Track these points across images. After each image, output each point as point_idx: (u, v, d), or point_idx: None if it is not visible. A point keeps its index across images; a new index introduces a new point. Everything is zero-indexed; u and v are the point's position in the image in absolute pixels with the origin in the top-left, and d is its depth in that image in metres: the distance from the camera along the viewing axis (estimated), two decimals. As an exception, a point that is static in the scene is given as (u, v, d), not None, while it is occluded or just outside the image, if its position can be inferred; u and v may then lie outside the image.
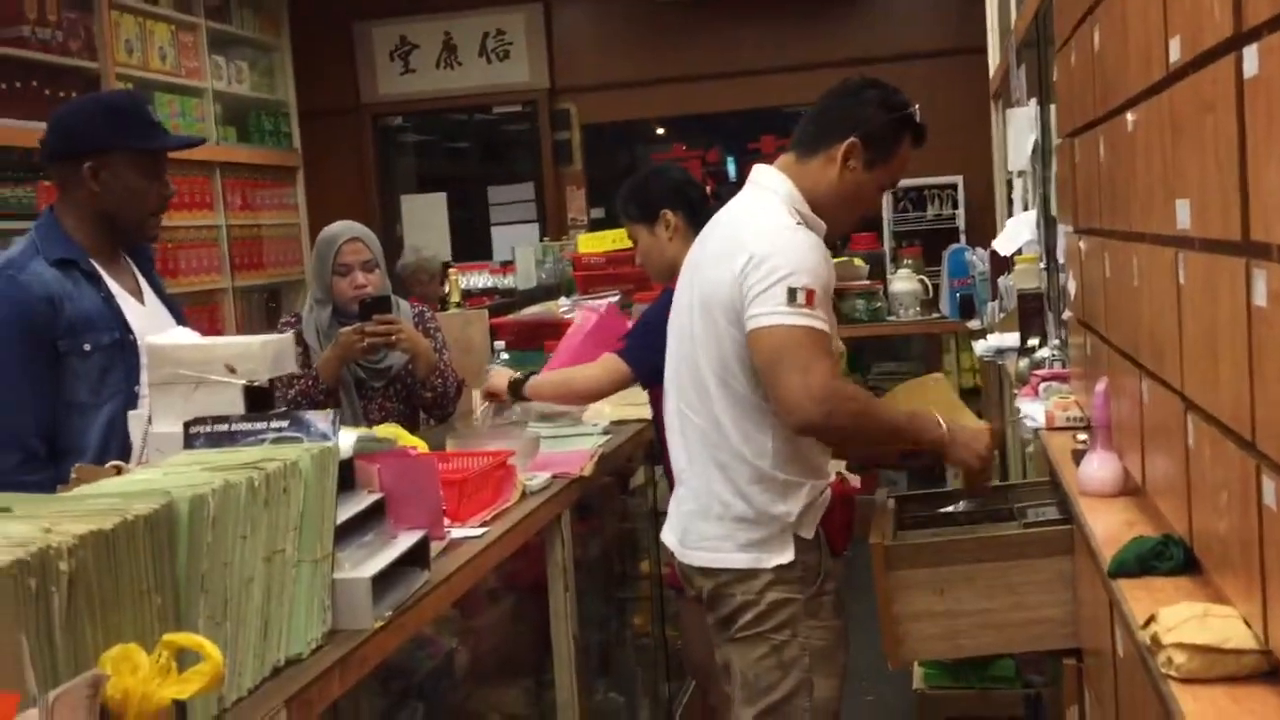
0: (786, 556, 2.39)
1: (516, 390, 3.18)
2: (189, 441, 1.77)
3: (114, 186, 2.52)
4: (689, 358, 2.48)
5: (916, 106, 2.50)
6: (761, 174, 2.51)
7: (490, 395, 3.26)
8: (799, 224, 2.39)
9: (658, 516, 3.70)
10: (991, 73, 6.57)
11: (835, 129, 2.44)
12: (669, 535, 2.59)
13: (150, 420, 1.95)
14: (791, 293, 2.27)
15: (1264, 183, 1.22)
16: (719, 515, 2.43)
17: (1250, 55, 1.23)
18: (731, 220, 2.50)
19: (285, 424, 1.76)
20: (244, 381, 1.90)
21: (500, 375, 3.27)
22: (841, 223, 2.54)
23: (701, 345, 2.44)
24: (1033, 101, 4.24)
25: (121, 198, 2.53)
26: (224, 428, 1.77)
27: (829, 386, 2.28)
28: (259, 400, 1.94)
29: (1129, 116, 1.92)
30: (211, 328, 6.36)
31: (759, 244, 2.34)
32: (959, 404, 2.96)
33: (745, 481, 2.40)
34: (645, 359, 2.98)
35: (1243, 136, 1.28)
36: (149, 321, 2.56)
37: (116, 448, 2.35)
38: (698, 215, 3.08)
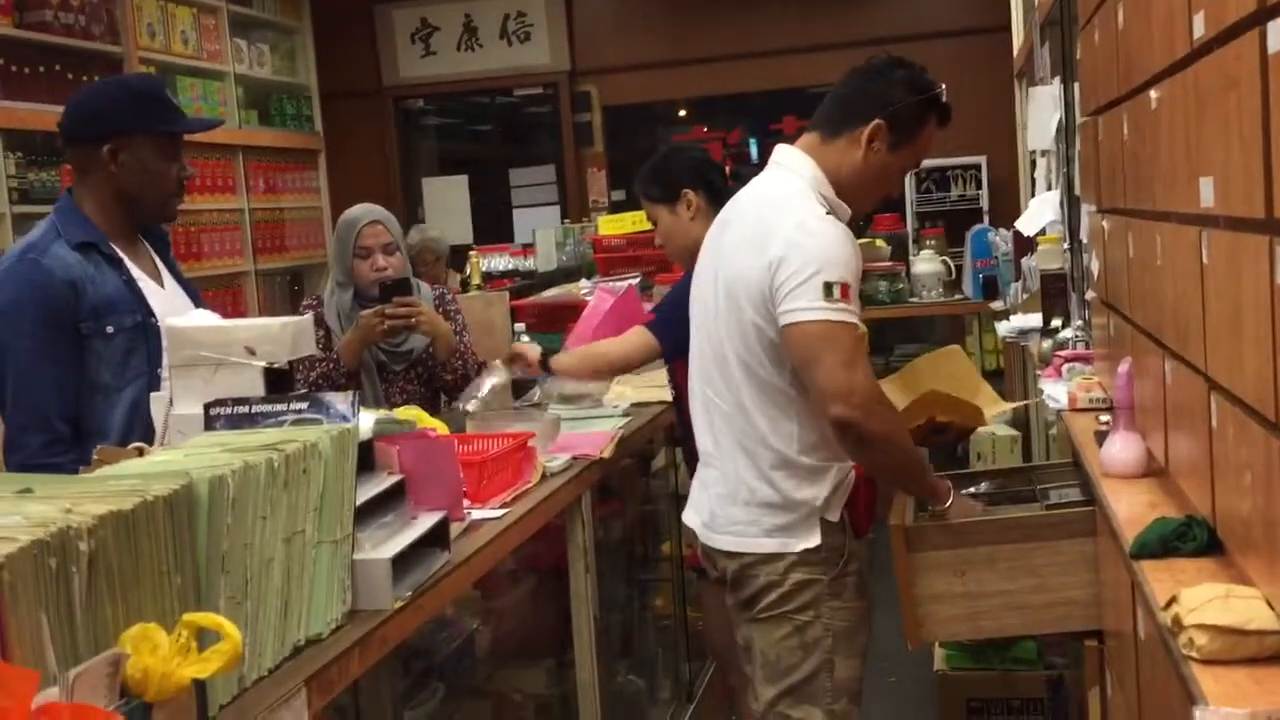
0: (813, 540, 2.38)
1: (544, 362, 3.14)
2: (209, 423, 1.77)
3: (134, 169, 2.53)
4: (714, 343, 2.47)
5: (943, 87, 2.47)
6: (785, 154, 2.48)
7: (516, 360, 3.16)
8: (828, 213, 2.36)
9: (679, 498, 3.70)
10: (1015, 51, 6.52)
11: (860, 110, 2.40)
12: (692, 516, 2.58)
13: (171, 402, 1.95)
14: (828, 288, 2.25)
15: (1288, 159, 1.20)
16: (746, 500, 2.42)
17: (1275, 30, 1.21)
18: (756, 201, 2.47)
19: (305, 406, 1.76)
20: (264, 363, 1.90)
21: (528, 346, 3.22)
22: (864, 204, 2.52)
23: (727, 332, 2.42)
24: (1056, 80, 4.20)
25: (142, 180, 2.54)
26: (244, 409, 1.78)
27: (874, 386, 2.29)
28: (279, 382, 1.94)
29: (1152, 94, 1.90)
30: (234, 311, 6.39)
31: (792, 235, 2.30)
32: (979, 379, 2.94)
33: (771, 467, 2.39)
34: (674, 333, 2.97)
35: (1266, 113, 1.26)
36: (169, 304, 2.57)
37: (140, 429, 2.36)
38: (718, 195, 3.06)
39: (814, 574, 2.40)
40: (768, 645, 2.43)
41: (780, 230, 2.33)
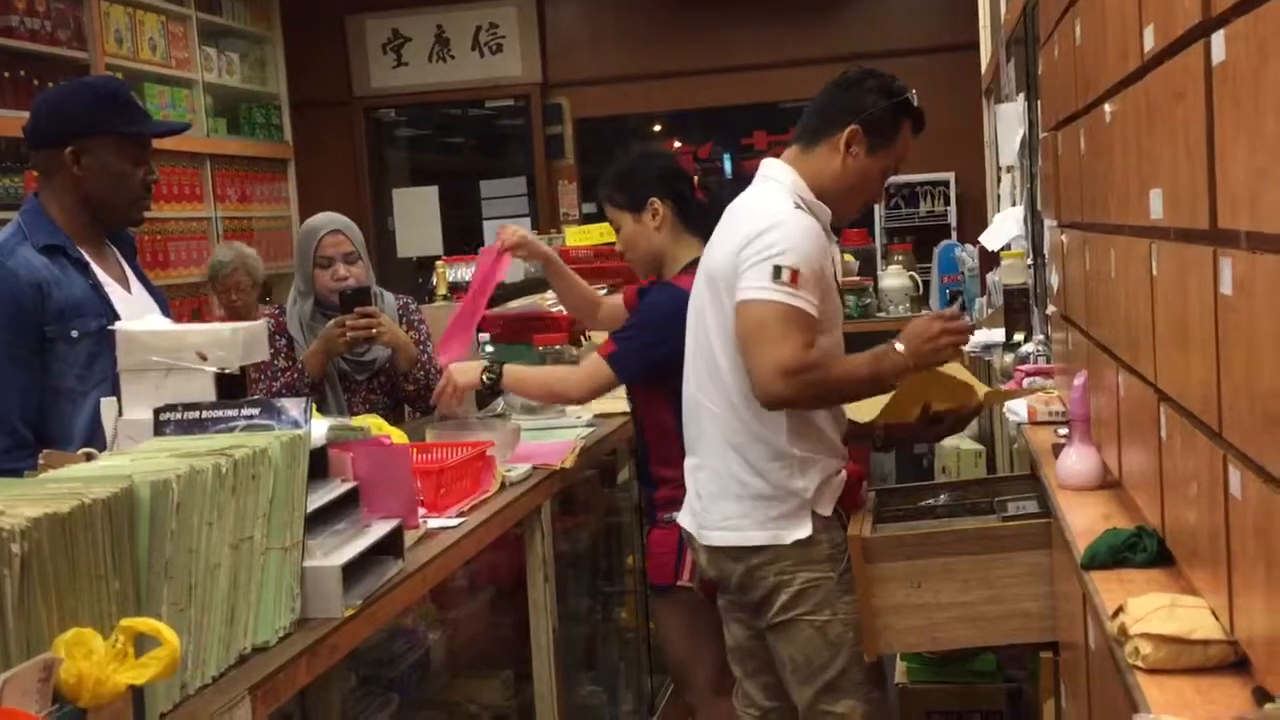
0: (804, 531, 2.45)
1: (494, 383, 3.01)
2: (159, 428, 1.75)
3: (97, 171, 2.51)
4: (704, 347, 2.55)
5: (914, 92, 2.56)
6: (768, 167, 2.60)
7: (456, 391, 3.01)
8: (797, 208, 2.46)
9: (643, 511, 3.69)
10: (984, 68, 6.57)
11: (836, 118, 2.52)
12: (687, 519, 2.63)
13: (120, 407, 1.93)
14: (777, 270, 2.35)
15: (1230, 169, 1.21)
16: (738, 494, 2.48)
17: (1218, 41, 1.22)
18: (735, 208, 2.58)
19: (256, 411, 1.75)
20: (215, 368, 1.88)
21: (466, 370, 3.02)
22: (847, 209, 2.61)
23: (714, 329, 2.51)
24: (1021, 96, 4.23)
25: (105, 183, 2.52)
26: (194, 415, 1.76)
27: (797, 362, 2.33)
28: (231, 388, 1.93)
29: (1107, 108, 1.92)
30: (202, 321, 6.33)
31: (756, 225, 2.42)
32: (969, 377, 2.94)
33: (762, 459, 2.46)
34: (630, 363, 2.94)
35: (1211, 124, 1.27)
36: (136, 309, 2.55)
37: (104, 435, 2.33)
38: (686, 206, 3.04)
39: (823, 572, 2.46)
40: (795, 650, 2.49)
41: (747, 222, 2.45)
